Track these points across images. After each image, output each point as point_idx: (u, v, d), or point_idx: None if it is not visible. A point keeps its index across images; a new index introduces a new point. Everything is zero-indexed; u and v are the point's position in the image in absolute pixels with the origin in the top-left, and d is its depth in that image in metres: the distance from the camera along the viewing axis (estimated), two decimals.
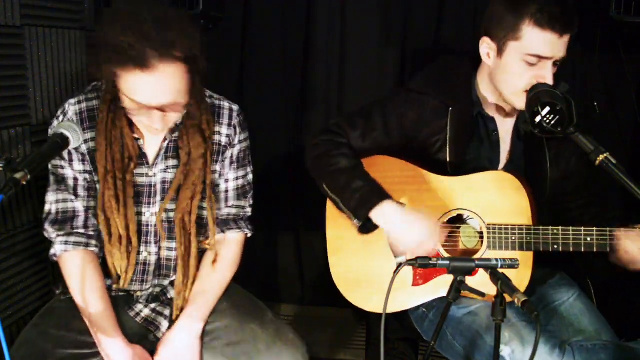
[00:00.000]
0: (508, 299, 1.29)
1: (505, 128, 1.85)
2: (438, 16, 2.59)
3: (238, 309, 1.71)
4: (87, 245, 1.64)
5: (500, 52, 1.67)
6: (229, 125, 1.73)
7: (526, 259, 1.71)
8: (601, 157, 1.52)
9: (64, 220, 1.64)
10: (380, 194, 1.66)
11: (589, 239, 1.66)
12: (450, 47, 2.55)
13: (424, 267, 1.36)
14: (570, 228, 1.67)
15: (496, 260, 1.34)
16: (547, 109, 1.57)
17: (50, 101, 1.91)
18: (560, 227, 1.68)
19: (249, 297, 1.80)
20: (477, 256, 1.74)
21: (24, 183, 1.23)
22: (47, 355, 1.53)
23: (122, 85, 1.46)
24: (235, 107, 1.76)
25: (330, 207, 1.87)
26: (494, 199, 1.73)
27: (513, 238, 1.71)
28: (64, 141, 1.37)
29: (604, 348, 1.57)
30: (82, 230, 1.65)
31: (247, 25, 2.71)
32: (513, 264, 1.34)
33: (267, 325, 1.66)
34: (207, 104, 1.70)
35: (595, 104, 2.49)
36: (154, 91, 1.44)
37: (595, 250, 1.66)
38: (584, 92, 2.56)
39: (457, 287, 1.39)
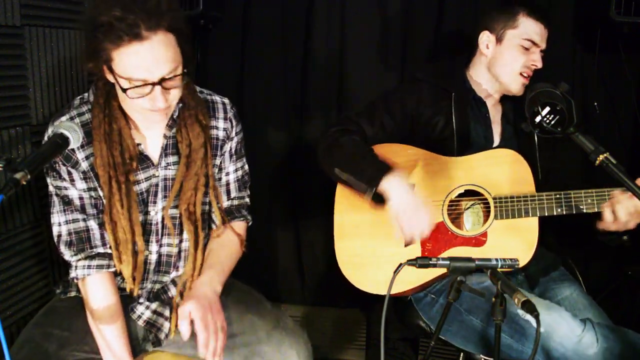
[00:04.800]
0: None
1: (495, 112, 2.04)
2: (438, 16, 2.60)
3: (237, 301, 1.72)
4: (108, 266, 1.63)
5: (499, 40, 1.95)
6: (225, 118, 1.75)
7: (532, 224, 1.79)
8: (601, 157, 1.52)
9: (80, 241, 1.61)
10: (389, 167, 1.77)
11: (588, 200, 1.75)
12: (451, 47, 2.56)
13: (424, 267, 1.36)
14: (571, 192, 1.77)
15: (496, 260, 1.34)
16: (547, 109, 1.57)
17: (50, 101, 1.91)
18: (562, 192, 1.77)
19: (247, 290, 1.81)
20: (485, 226, 1.82)
21: (24, 183, 1.22)
22: (50, 356, 1.52)
23: (120, 66, 1.44)
24: (226, 101, 1.79)
25: (338, 193, 1.97)
26: (498, 173, 1.85)
27: (519, 206, 1.79)
28: (64, 141, 1.37)
29: (617, 329, 1.65)
30: (101, 250, 1.63)
31: (247, 25, 2.71)
32: (513, 264, 1.34)
33: (266, 315, 1.67)
34: (200, 98, 1.72)
35: (595, 104, 2.50)
36: (152, 62, 1.44)
37: (596, 210, 1.74)
38: (584, 92, 2.57)
39: (457, 287, 1.39)
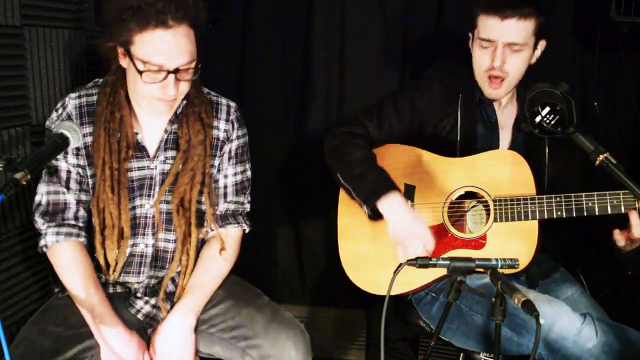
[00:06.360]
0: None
1: (505, 117, 1.97)
2: (438, 16, 2.60)
3: (233, 295, 1.72)
4: (77, 235, 1.65)
5: (472, 42, 1.89)
6: (227, 120, 1.76)
7: (532, 227, 1.77)
8: (601, 157, 1.52)
9: (55, 212, 1.64)
10: (388, 186, 1.75)
11: (590, 203, 1.70)
12: (451, 46, 2.55)
13: (423, 267, 1.37)
14: (572, 195, 1.72)
15: (496, 260, 1.34)
16: (547, 109, 1.57)
17: (50, 101, 1.91)
18: (562, 195, 1.73)
19: (243, 283, 1.82)
20: (484, 229, 1.81)
21: (24, 183, 1.23)
22: (45, 352, 1.53)
23: (140, 49, 1.50)
24: (232, 104, 1.80)
25: (342, 195, 1.97)
26: (499, 174, 1.82)
27: (518, 208, 1.77)
28: (64, 141, 1.37)
29: (617, 327, 1.65)
30: (72, 222, 1.65)
31: (247, 25, 2.71)
32: (513, 264, 1.34)
33: (263, 308, 1.68)
34: (205, 97, 1.75)
35: (595, 104, 2.50)
36: (172, 50, 1.50)
37: (597, 213, 1.70)
38: (584, 92, 2.56)
39: (457, 287, 1.39)
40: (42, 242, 1.64)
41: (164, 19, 1.47)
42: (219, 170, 1.77)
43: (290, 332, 1.62)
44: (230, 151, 1.77)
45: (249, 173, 1.84)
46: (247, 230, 1.84)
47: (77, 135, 1.40)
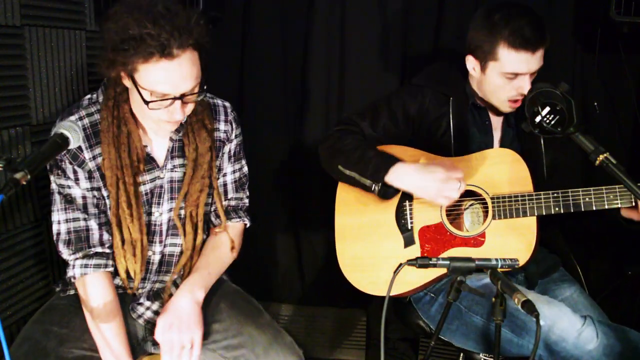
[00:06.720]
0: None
1: (497, 118, 1.99)
2: (438, 16, 2.60)
3: (236, 310, 1.72)
4: (106, 266, 1.63)
5: (483, 69, 1.85)
6: (226, 121, 1.78)
7: (530, 224, 1.78)
8: (601, 157, 1.52)
9: (79, 240, 1.61)
10: (392, 158, 1.79)
11: (587, 198, 1.72)
12: (451, 47, 2.56)
13: (423, 267, 1.37)
14: (569, 190, 1.74)
15: (496, 260, 1.35)
16: (547, 109, 1.58)
17: (50, 101, 1.91)
18: (559, 191, 1.75)
19: (247, 298, 1.81)
20: (483, 226, 1.81)
21: (24, 183, 1.23)
22: (49, 353, 1.53)
23: (144, 79, 1.46)
24: (227, 104, 1.81)
25: (340, 195, 1.97)
26: (496, 173, 1.84)
27: (516, 205, 1.78)
28: (64, 141, 1.37)
29: (618, 328, 1.66)
30: (99, 249, 1.63)
31: (247, 25, 2.71)
32: (513, 264, 1.35)
33: (265, 329, 1.67)
34: (205, 102, 1.74)
35: (595, 104, 2.50)
36: (177, 79, 1.47)
37: (594, 208, 1.72)
38: (584, 92, 2.57)
39: (457, 287, 1.39)
40: (69, 273, 1.62)
41: (169, 51, 1.42)
42: (219, 170, 1.79)
43: (289, 358, 1.62)
44: (229, 151, 1.79)
45: (245, 169, 1.86)
46: (248, 225, 1.87)
47: (77, 135, 1.39)
